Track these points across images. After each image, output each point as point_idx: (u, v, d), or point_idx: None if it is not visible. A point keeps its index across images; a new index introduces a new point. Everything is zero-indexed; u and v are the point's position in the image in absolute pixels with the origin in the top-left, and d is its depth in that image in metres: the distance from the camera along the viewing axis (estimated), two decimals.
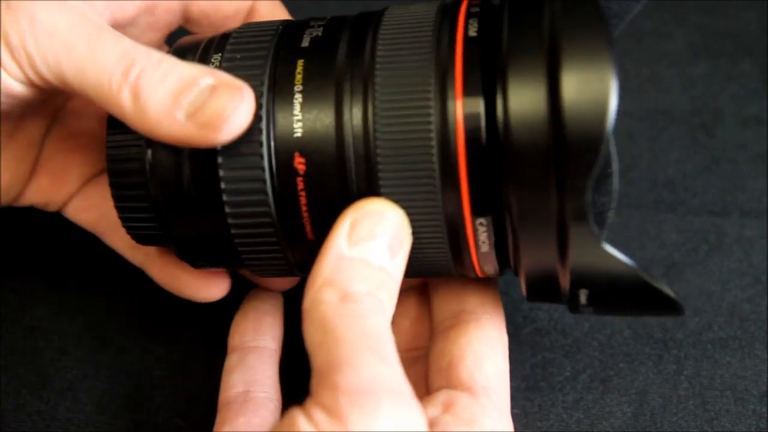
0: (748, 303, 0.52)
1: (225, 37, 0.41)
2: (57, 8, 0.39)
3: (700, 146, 0.59)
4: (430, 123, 0.37)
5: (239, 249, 0.40)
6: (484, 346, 0.42)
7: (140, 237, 0.43)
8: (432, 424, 0.38)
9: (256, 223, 0.39)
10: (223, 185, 0.39)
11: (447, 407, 0.40)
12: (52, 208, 0.49)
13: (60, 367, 0.50)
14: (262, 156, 0.38)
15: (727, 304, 0.52)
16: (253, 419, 0.44)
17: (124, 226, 0.42)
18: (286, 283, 0.48)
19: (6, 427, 0.48)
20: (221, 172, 0.38)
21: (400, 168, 0.37)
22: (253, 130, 0.38)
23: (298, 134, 0.38)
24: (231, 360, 0.47)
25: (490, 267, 0.40)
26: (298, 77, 0.39)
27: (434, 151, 0.37)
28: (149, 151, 0.40)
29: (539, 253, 0.37)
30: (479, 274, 0.41)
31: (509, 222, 0.37)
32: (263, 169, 0.38)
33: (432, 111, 0.37)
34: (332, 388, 0.33)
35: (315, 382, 0.34)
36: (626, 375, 0.50)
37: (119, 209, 0.41)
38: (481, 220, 0.38)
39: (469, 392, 0.40)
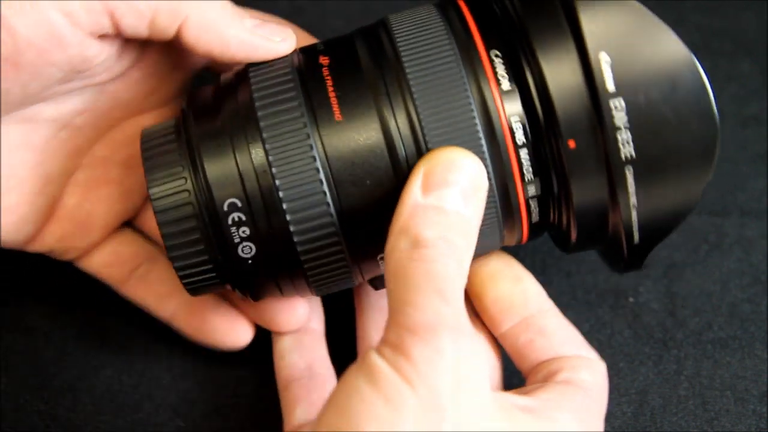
0: (748, 303, 0.52)
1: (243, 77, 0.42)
2: None
3: None
4: (473, 115, 0.39)
5: (302, 258, 0.40)
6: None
7: (197, 286, 0.42)
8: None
9: (317, 225, 0.40)
10: (281, 194, 0.39)
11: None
12: (70, 256, 0.48)
13: (60, 367, 0.49)
14: (316, 159, 0.39)
15: (727, 304, 0.52)
16: (324, 395, 0.45)
17: (180, 276, 0.41)
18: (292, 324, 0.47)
19: (6, 427, 0.48)
20: (278, 182, 0.39)
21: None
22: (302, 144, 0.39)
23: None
24: (285, 342, 0.47)
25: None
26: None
27: (481, 136, 0.39)
28: (195, 191, 0.40)
29: (590, 190, 0.39)
30: (525, 239, 0.43)
31: (560, 177, 0.39)
32: (318, 170, 0.39)
33: (473, 107, 0.39)
34: (398, 326, 0.35)
35: (386, 325, 0.36)
36: (626, 375, 0.50)
37: (174, 259, 0.41)
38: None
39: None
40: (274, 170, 0.39)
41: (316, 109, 0.40)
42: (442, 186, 0.38)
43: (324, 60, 0.41)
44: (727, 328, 0.51)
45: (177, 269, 0.41)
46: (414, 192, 0.38)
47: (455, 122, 0.39)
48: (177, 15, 0.40)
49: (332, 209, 0.39)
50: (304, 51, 0.42)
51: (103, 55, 0.42)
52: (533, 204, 0.41)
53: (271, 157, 0.39)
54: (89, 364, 0.50)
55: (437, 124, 0.39)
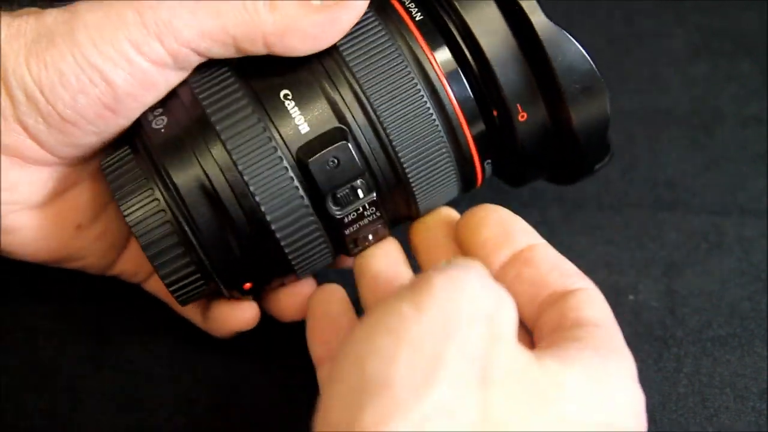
0: (747, 301, 0.52)
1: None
2: None
3: (699, 146, 0.59)
4: (412, 77, 0.42)
5: (285, 249, 0.42)
6: None
7: (187, 295, 0.44)
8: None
9: (295, 218, 0.41)
10: (258, 200, 0.41)
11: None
12: (137, 279, 0.50)
13: (60, 367, 0.50)
14: (278, 154, 0.41)
15: (727, 303, 0.52)
16: None
17: (170, 289, 0.43)
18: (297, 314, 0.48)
19: (6, 426, 0.48)
20: (246, 178, 0.41)
21: (405, 123, 0.42)
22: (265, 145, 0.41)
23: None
24: (325, 372, 0.45)
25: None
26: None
27: (427, 100, 0.42)
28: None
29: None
30: (479, 180, 0.46)
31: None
32: (280, 157, 0.41)
33: (411, 70, 0.42)
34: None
35: None
36: None
37: (164, 276, 0.42)
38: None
39: None
40: (239, 166, 0.40)
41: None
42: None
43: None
44: (727, 326, 0.51)
45: (167, 284, 0.42)
46: None
47: (398, 88, 0.41)
48: (254, 34, 0.41)
49: (301, 191, 0.41)
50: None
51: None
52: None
53: (233, 155, 0.40)
54: (89, 363, 0.50)
55: (381, 91, 0.41)
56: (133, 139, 0.43)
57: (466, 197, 0.48)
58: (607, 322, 0.40)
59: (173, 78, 0.42)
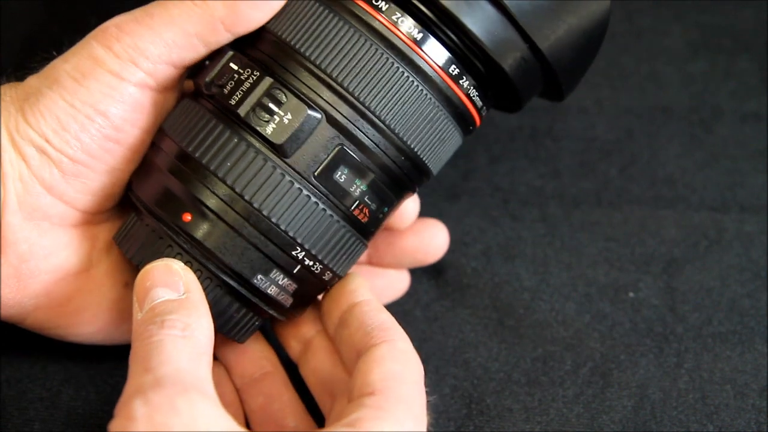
0: (747, 298, 0.52)
1: None
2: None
3: (699, 143, 0.59)
4: (387, 57, 0.42)
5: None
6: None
7: (246, 334, 0.45)
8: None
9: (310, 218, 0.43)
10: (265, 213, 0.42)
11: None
12: None
13: (62, 356, 0.49)
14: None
15: (727, 299, 0.52)
16: None
17: (232, 337, 0.45)
18: None
19: (8, 414, 0.47)
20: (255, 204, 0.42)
21: (389, 97, 0.42)
22: None
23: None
24: None
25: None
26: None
27: (400, 66, 0.42)
28: None
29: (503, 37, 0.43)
30: (477, 120, 0.45)
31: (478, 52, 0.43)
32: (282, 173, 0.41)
33: (383, 50, 0.41)
34: None
35: None
36: (626, 368, 0.50)
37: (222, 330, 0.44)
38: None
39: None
40: (246, 196, 0.41)
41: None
42: (145, 295, 0.41)
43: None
44: (727, 322, 0.51)
45: (224, 333, 0.44)
46: (135, 315, 0.41)
47: (374, 72, 0.42)
48: (212, 23, 0.43)
49: (315, 198, 0.41)
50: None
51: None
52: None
53: (237, 188, 0.41)
54: (92, 353, 0.49)
55: (360, 79, 0.41)
56: (134, 206, 0.44)
57: (460, 190, 0.49)
58: (391, 383, 0.40)
59: (160, 98, 0.44)
